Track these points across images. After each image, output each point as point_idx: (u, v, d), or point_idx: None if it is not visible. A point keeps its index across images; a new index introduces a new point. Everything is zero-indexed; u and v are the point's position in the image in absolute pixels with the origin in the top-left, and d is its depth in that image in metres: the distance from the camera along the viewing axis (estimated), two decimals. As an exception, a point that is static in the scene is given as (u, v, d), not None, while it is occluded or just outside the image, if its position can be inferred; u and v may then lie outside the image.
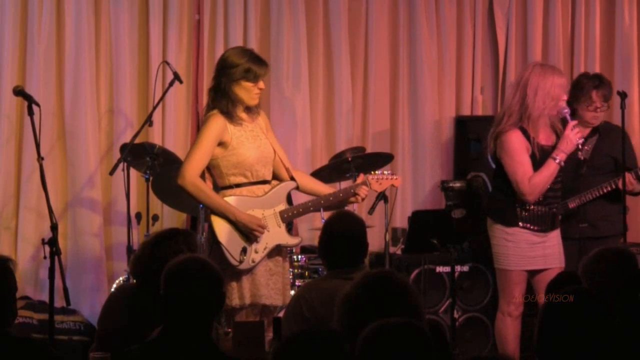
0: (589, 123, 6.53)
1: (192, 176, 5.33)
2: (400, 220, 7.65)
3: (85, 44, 7.06)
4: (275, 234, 5.47)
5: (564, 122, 6.10)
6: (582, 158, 6.51)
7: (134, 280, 4.69)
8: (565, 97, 6.02)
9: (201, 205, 5.96)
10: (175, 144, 7.21)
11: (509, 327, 6.14)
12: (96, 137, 7.13)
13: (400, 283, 3.62)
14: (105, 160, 7.16)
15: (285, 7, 7.51)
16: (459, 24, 8.04)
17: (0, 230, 7.00)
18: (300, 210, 5.58)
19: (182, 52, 7.35)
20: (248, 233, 5.38)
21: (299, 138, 7.54)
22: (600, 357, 3.40)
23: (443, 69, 7.98)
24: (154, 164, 6.58)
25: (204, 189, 5.37)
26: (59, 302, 5.92)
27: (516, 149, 5.99)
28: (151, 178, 6.63)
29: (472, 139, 7.80)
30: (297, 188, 5.62)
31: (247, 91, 5.43)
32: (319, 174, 6.60)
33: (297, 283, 6.55)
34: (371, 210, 5.90)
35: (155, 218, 6.97)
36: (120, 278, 6.82)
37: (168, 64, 6.93)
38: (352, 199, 5.62)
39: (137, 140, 6.63)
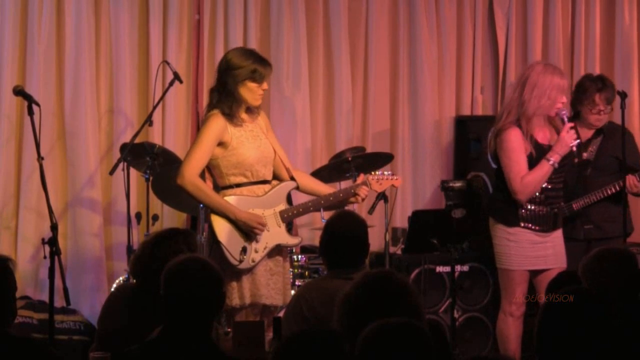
0: (592, 125, 6.53)
1: (191, 175, 5.34)
2: (400, 220, 7.65)
3: (85, 44, 7.06)
4: (275, 234, 5.47)
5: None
6: (585, 159, 6.52)
7: (134, 280, 4.69)
8: (564, 100, 6.00)
9: (201, 205, 5.97)
10: (175, 144, 7.21)
11: (510, 327, 6.14)
12: (96, 137, 7.13)
13: (400, 283, 3.62)
14: (105, 160, 7.16)
15: (285, 7, 7.51)
16: (459, 24, 8.04)
17: (0, 230, 7.00)
18: (301, 210, 5.58)
19: (182, 52, 7.35)
20: (248, 231, 5.38)
21: (299, 138, 7.54)
22: (600, 357, 3.40)
23: (443, 69, 7.98)
24: (154, 164, 6.58)
25: (203, 189, 5.37)
26: (59, 302, 5.92)
27: (514, 148, 6.00)
28: (151, 178, 6.63)
29: (472, 139, 7.81)
30: (298, 188, 5.62)
31: (251, 92, 5.43)
32: (319, 174, 6.60)
33: (297, 283, 6.55)
34: (371, 210, 5.90)
35: (155, 218, 6.97)
36: (120, 278, 6.82)
37: (168, 63, 6.94)
38: (352, 199, 5.63)
39: (137, 140, 6.63)
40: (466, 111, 8.07)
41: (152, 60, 7.22)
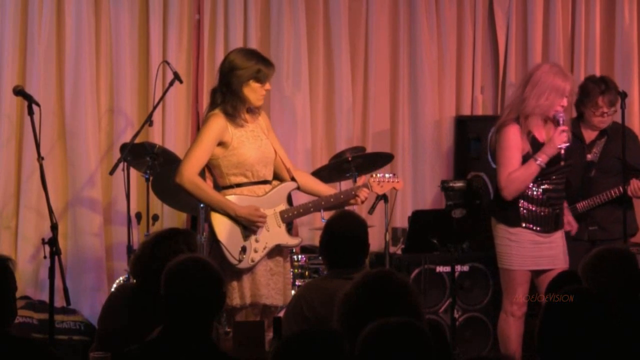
0: (596, 127, 6.53)
1: (190, 174, 5.34)
2: (401, 220, 7.65)
3: (85, 44, 7.06)
4: (275, 234, 5.47)
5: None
6: (590, 160, 6.52)
7: (134, 280, 4.69)
8: (563, 103, 5.98)
9: (201, 205, 5.97)
10: (175, 144, 7.21)
11: (511, 327, 6.14)
12: (96, 137, 7.14)
13: (400, 283, 3.62)
14: (106, 160, 7.17)
15: (285, 7, 7.51)
16: (459, 24, 8.04)
17: (0, 229, 7.00)
18: (301, 210, 5.58)
19: (182, 52, 7.35)
20: (250, 225, 5.38)
21: (299, 138, 7.54)
22: (600, 357, 3.40)
23: (443, 69, 7.98)
24: (154, 164, 6.58)
25: (202, 187, 5.37)
26: (59, 302, 5.91)
27: (509, 145, 6.01)
28: (151, 178, 6.63)
29: (472, 139, 7.81)
30: (298, 188, 5.62)
31: (254, 92, 5.44)
32: (319, 174, 6.60)
33: (297, 283, 6.55)
34: (371, 210, 5.89)
35: (156, 218, 6.97)
36: (120, 278, 6.82)
37: (168, 63, 6.94)
38: (352, 200, 5.62)
39: (137, 140, 6.63)
40: (466, 111, 8.07)
41: (152, 60, 7.22)
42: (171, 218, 7.29)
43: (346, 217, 4.97)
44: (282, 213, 5.49)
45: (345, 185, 6.55)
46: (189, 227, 7.17)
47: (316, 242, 6.03)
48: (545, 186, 6.05)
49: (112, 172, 6.61)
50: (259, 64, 5.44)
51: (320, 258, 6.21)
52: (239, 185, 5.44)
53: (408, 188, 7.80)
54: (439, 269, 6.87)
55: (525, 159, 6.00)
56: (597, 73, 7.61)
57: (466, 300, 6.96)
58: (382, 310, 3.35)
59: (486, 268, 6.94)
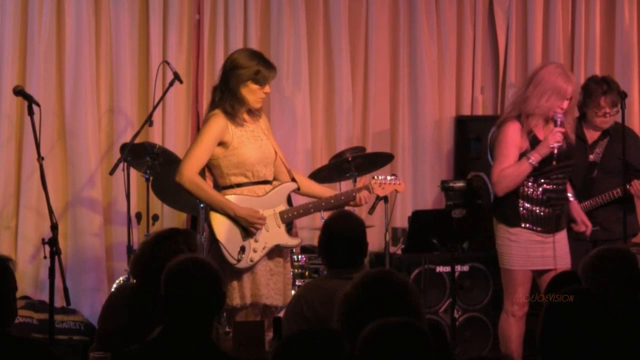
0: (598, 127, 6.53)
1: (190, 173, 5.33)
2: (401, 220, 7.65)
3: (85, 44, 7.06)
4: (274, 234, 5.46)
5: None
6: (592, 161, 6.52)
7: (134, 280, 4.69)
8: (563, 105, 5.97)
9: (201, 205, 5.97)
10: (175, 144, 7.21)
11: (512, 327, 6.13)
12: (96, 137, 7.14)
13: (400, 283, 3.62)
14: (106, 160, 7.17)
15: (285, 7, 7.51)
16: (459, 24, 8.05)
17: (0, 229, 7.00)
18: (301, 211, 5.57)
19: (182, 52, 7.35)
20: (248, 227, 5.38)
21: (299, 138, 7.54)
22: (601, 357, 3.40)
23: (443, 69, 7.98)
24: (154, 164, 6.58)
25: (202, 186, 5.36)
26: (59, 302, 5.92)
27: (507, 142, 6.01)
28: (151, 178, 6.63)
29: (472, 139, 7.81)
30: (299, 189, 5.61)
31: (253, 93, 5.43)
32: (319, 174, 6.60)
33: (297, 283, 6.55)
34: (371, 210, 5.89)
35: (156, 218, 6.98)
36: (120, 278, 6.82)
37: (168, 63, 6.94)
38: (352, 202, 5.62)
39: (137, 140, 6.63)
40: (466, 111, 8.08)
41: (152, 60, 7.22)
42: (171, 218, 7.29)
43: (344, 217, 4.97)
44: (282, 213, 5.49)
45: (345, 185, 6.56)
46: (189, 227, 7.17)
47: (316, 242, 6.02)
48: (545, 186, 6.04)
49: (112, 172, 6.61)
50: (260, 65, 5.43)
51: (319, 258, 6.21)
52: (239, 185, 5.44)
53: (408, 188, 7.80)
54: (439, 269, 6.88)
55: (523, 157, 6.01)
56: (597, 73, 7.61)
57: (466, 300, 6.96)
58: (382, 310, 3.35)
59: (486, 268, 6.94)
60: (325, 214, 6.23)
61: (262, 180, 5.47)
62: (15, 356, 3.69)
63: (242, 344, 4.21)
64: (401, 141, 7.87)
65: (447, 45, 7.97)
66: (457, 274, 6.71)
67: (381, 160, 6.75)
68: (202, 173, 5.47)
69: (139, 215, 6.98)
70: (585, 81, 6.66)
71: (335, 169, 6.65)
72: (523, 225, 6.03)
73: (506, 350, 6.10)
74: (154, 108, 6.84)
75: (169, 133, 7.29)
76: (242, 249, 5.37)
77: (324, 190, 5.71)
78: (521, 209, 6.03)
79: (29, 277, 6.99)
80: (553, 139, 5.93)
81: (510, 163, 5.98)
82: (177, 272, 3.77)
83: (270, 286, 5.41)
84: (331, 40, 7.71)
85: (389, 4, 7.87)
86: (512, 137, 5.99)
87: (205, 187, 5.38)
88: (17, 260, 6.82)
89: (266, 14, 7.56)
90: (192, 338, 3.69)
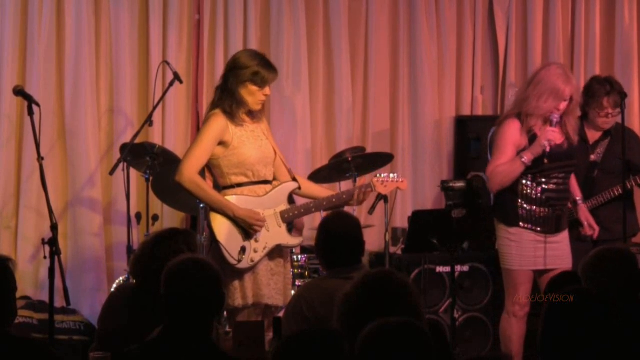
0: (600, 127, 6.53)
1: (190, 173, 5.33)
2: (401, 220, 7.65)
3: (85, 44, 7.06)
4: (275, 234, 5.46)
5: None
6: (593, 161, 6.52)
7: (134, 280, 4.69)
8: (560, 107, 5.97)
9: (201, 205, 5.96)
10: (175, 144, 7.21)
11: (513, 327, 6.12)
12: (96, 137, 7.14)
13: (400, 283, 3.62)
14: (106, 160, 7.17)
15: (285, 7, 7.51)
16: (459, 24, 8.05)
17: (0, 229, 7.00)
18: (302, 210, 5.57)
19: (182, 52, 7.35)
20: (248, 228, 5.38)
21: (299, 138, 7.54)
22: (601, 357, 3.40)
23: (443, 69, 7.98)
24: (154, 164, 6.58)
25: (202, 186, 5.36)
26: (59, 302, 5.92)
27: (505, 139, 6.02)
28: (151, 178, 6.63)
29: (472, 139, 7.81)
30: (299, 188, 5.60)
31: (252, 95, 5.41)
32: (319, 174, 6.60)
33: (297, 283, 6.55)
34: (371, 210, 5.89)
35: (155, 218, 6.97)
36: (120, 278, 6.82)
37: (168, 63, 6.94)
38: (352, 201, 5.61)
39: (137, 140, 6.63)
40: (466, 111, 8.08)
41: (152, 60, 7.22)
42: (171, 218, 7.29)
43: (341, 217, 4.98)
44: (282, 213, 5.49)
45: (345, 185, 6.56)
46: (189, 227, 7.17)
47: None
48: (545, 186, 6.04)
49: (112, 172, 6.61)
50: (260, 66, 5.41)
51: (317, 259, 6.21)
52: (239, 185, 5.44)
53: (408, 188, 7.79)
54: (439, 269, 6.88)
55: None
56: (597, 73, 7.61)
57: (466, 301, 6.96)
58: (382, 310, 3.35)
59: (486, 268, 6.94)
60: (326, 214, 6.22)
61: (262, 180, 5.47)
62: (15, 356, 3.69)
63: (242, 344, 4.21)
64: (401, 141, 7.87)
65: (447, 45, 7.97)
66: (457, 274, 6.70)
67: (381, 160, 6.75)
68: (202, 173, 5.47)
69: (138, 216, 6.98)
70: (588, 81, 6.66)
71: (335, 169, 6.65)
72: (522, 225, 6.03)
73: (507, 351, 6.10)
74: (154, 108, 6.84)
75: (169, 133, 7.29)
76: (243, 250, 5.37)
77: (324, 191, 5.70)
78: (520, 208, 6.03)
79: (29, 277, 6.99)
80: (544, 138, 5.93)
81: (506, 160, 5.99)
82: (177, 272, 3.77)
83: (272, 286, 5.41)
84: (331, 40, 7.71)
85: (389, 4, 7.87)
86: (511, 134, 6.00)
87: (205, 187, 5.38)
88: (17, 260, 6.82)
89: (266, 14, 7.56)
90: (192, 338, 3.69)
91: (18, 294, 4.05)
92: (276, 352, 3.15)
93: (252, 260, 5.38)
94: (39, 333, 6.45)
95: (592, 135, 6.58)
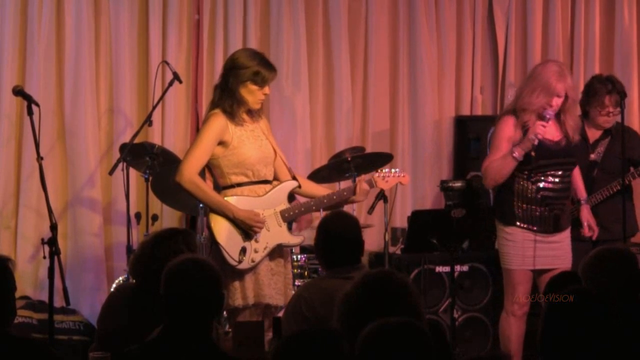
0: (600, 126, 6.53)
1: (190, 174, 5.33)
2: (400, 220, 7.65)
3: (85, 44, 7.06)
4: (275, 234, 5.46)
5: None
6: (593, 160, 6.52)
7: (134, 280, 4.69)
8: (552, 103, 5.96)
9: (201, 205, 5.96)
10: (174, 144, 7.21)
11: (512, 327, 6.12)
12: (96, 137, 7.14)
13: (400, 283, 3.61)
14: (105, 159, 7.17)
15: (285, 7, 7.51)
16: (459, 24, 8.05)
17: (0, 229, 7.00)
18: (302, 209, 5.56)
19: (181, 52, 7.35)
20: (247, 229, 5.37)
21: (299, 138, 7.54)
22: (601, 357, 3.40)
23: (443, 69, 7.98)
24: (154, 164, 6.58)
25: (201, 187, 5.36)
26: (58, 302, 5.91)
27: (499, 135, 6.04)
28: (151, 178, 6.63)
29: (471, 139, 7.81)
30: (299, 187, 5.60)
31: (252, 94, 5.42)
32: (318, 174, 6.60)
33: (296, 283, 6.54)
34: (370, 210, 5.88)
35: (155, 218, 6.97)
36: (120, 278, 6.82)
37: (168, 63, 6.94)
38: (353, 197, 5.61)
39: (136, 140, 6.63)
40: (466, 111, 8.08)
41: (151, 60, 7.22)
42: (170, 218, 7.29)
43: (340, 216, 4.98)
44: (282, 212, 5.48)
45: (345, 185, 6.55)
46: (188, 227, 7.17)
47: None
48: (540, 184, 6.02)
49: (111, 172, 6.60)
50: (260, 66, 5.41)
51: (317, 259, 6.21)
52: (239, 184, 5.43)
53: (408, 188, 7.80)
54: (439, 269, 6.87)
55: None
56: (597, 73, 7.60)
57: (466, 300, 6.96)
58: (382, 310, 3.35)
59: (486, 268, 6.94)
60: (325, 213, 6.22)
61: (262, 179, 5.47)
62: (15, 356, 3.69)
63: (241, 344, 4.21)
64: (401, 141, 7.87)
65: (447, 45, 7.97)
66: (456, 274, 6.70)
67: (381, 160, 6.75)
68: (202, 174, 5.47)
69: (138, 215, 6.98)
70: (589, 80, 6.67)
71: (334, 169, 6.65)
72: (518, 224, 6.03)
73: (506, 350, 6.10)
74: (154, 108, 6.84)
75: (168, 133, 7.29)
76: (243, 250, 5.37)
77: (324, 190, 5.70)
78: (517, 208, 6.03)
79: (29, 277, 6.99)
80: (532, 132, 5.93)
81: (500, 156, 6.00)
82: (177, 272, 3.77)
83: (272, 286, 5.41)
84: (331, 41, 7.71)
85: (389, 4, 7.87)
86: (505, 130, 6.02)
87: (204, 188, 5.37)
88: (16, 260, 6.82)
89: (266, 14, 7.56)
90: (192, 338, 3.69)
91: (17, 294, 4.04)
92: (276, 352, 3.15)
93: (252, 261, 5.37)
94: (39, 333, 6.45)
95: (593, 134, 6.58)
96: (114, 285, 6.73)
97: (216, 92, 5.47)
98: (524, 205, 6.02)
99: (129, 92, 7.22)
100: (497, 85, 8.18)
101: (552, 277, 4.78)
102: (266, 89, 5.45)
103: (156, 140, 7.09)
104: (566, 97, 5.99)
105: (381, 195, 5.73)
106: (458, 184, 6.88)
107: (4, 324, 3.77)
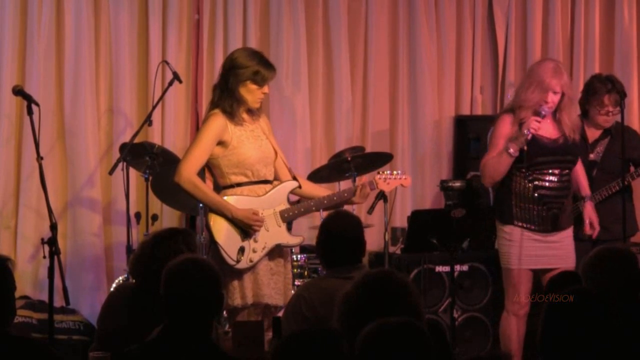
0: (600, 125, 6.53)
1: (189, 173, 5.33)
2: (400, 220, 7.65)
3: (85, 44, 7.06)
4: (274, 234, 5.46)
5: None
6: (592, 160, 6.52)
7: (134, 280, 4.69)
8: (547, 99, 5.96)
9: (201, 205, 5.96)
10: (174, 144, 7.21)
11: (512, 326, 6.12)
12: (96, 137, 7.14)
13: (400, 283, 3.61)
14: (105, 159, 7.16)
15: (285, 7, 7.51)
16: (459, 24, 8.05)
17: (0, 229, 7.00)
18: (302, 209, 5.57)
19: (181, 52, 7.35)
20: (246, 228, 5.37)
21: (299, 138, 7.54)
22: (601, 357, 3.40)
23: (443, 69, 7.98)
24: (154, 164, 6.57)
25: (200, 186, 5.36)
26: (58, 302, 5.91)
27: (497, 133, 6.06)
28: (150, 178, 6.63)
29: (471, 139, 7.81)
30: (300, 187, 5.60)
31: (251, 94, 5.42)
32: (318, 174, 6.60)
33: (296, 283, 6.54)
34: (370, 210, 5.88)
35: (155, 218, 6.97)
36: (120, 278, 6.82)
37: (167, 63, 6.94)
38: (353, 198, 5.61)
39: (136, 140, 6.63)
40: (466, 111, 8.08)
41: (151, 60, 7.22)
42: (170, 218, 7.28)
43: (342, 216, 4.98)
44: (282, 212, 5.48)
45: (345, 185, 6.55)
46: (188, 227, 7.17)
47: (315, 241, 6.02)
48: (537, 183, 6.02)
49: (111, 172, 6.60)
50: (259, 65, 5.42)
51: (318, 258, 6.21)
52: (239, 184, 5.43)
53: (408, 188, 7.79)
54: (439, 268, 6.87)
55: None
56: (597, 73, 7.60)
57: (466, 300, 6.96)
58: (382, 310, 3.35)
59: (486, 268, 6.93)
60: (325, 214, 6.22)
61: (262, 179, 5.47)
62: (15, 356, 3.69)
63: (241, 344, 4.21)
64: (400, 141, 7.87)
65: (447, 45, 7.97)
66: (456, 273, 6.70)
67: (380, 160, 6.75)
68: (202, 174, 5.47)
69: (138, 215, 6.98)
70: (589, 79, 6.67)
71: (334, 169, 6.65)
72: (516, 223, 6.03)
73: (507, 350, 6.09)
74: (153, 108, 6.84)
75: (168, 133, 7.29)
76: (241, 250, 5.37)
77: (324, 191, 5.70)
78: (514, 207, 6.04)
79: (28, 277, 6.99)
80: (526, 127, 5.94)
81: (496, 154, 6.01)
82: (177, 272, 3.77)
83: (272, 286, 5.41)
84: (331, 40, 7.71)
85: (389, 4, 7.87)
86: (502, 128, 6.04)
87: (203, 188, 5.37)
88: (16, 259, 6.82)
89: (266, 14, 7.55)
90: (192, 338, 3.69)
91: (17, 294, 4.05)
92: (276, 352, 3.15)
93: (250, 261, 5.37)
94: (38, 333, 6.45)
95: (592, 134, 6.58)
96: (113, 285, 6.73)
97: (216, 92, 5.48)
98: (522, 204, 6.03)
99: (129, 92, 7.22)
100: (497, 85, 8.18)
101: (552, 277, 4.79)
102: (265, 88, 5.45)
103: (156, 140, 7.09)
104: (563, 95, 5.99)
105: (381, 195, 5.73)
106: (458, 184, 6.90)
107: (4, 323, 3.77)
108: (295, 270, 6.67)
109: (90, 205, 7.12)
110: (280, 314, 5.11)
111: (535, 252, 6.02)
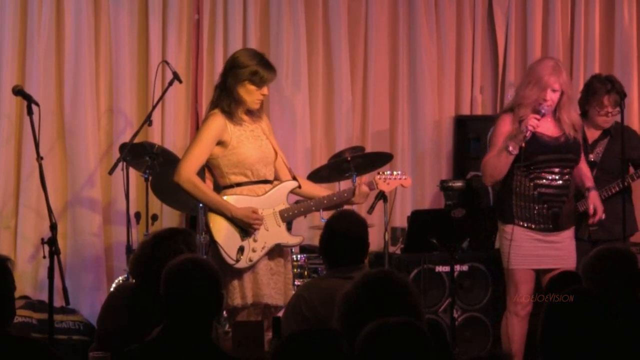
0: (599, 126, 6.53)
1: (188, 173, 5.33)
2: (400, 220, 7.64)
3: (85, 44, 7.06)
4: (274, 234, 5.46)
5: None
6: (592, 160, 6.52)
7: (134, 280, 4.69)
8: (545, 96, 5.96)
9: (201, 205, 5.96)
10: (174, 144, 7.21)
11: (514, 327, 6.11)
12: (96, 137, 7.14)
13: (400, 283, 3.62)
14: (105, 159, 7.16)
15: (285, 7, 7.51)
16: (459, 24, 8.05)
17: (0, 229, 7.00)
18: (302, 209, 5.57)
19: (181, 52, 7.35)
20: (246, 227, 5.37)
21: (299, 138, 7.54)
22: (601, 357, 3.40)
23: (443, 69, 7.98)
24: (154, 164, 6.57)
25: (199, 186, 5.36)
26: (58, 302, 5.91)
27: (496, 133, 6.08)
28: (150, 177, 6.63)
29: (471, 139, 7.81)
30: (299, 187, 5.60)
31: (250, 94, 5.41)
32: (318, 174, 6.60)
33: (296, 283, 6.54)
34: (370, 210, 5.88)
35: (155, 218, 6.97)
36: (120, 277, 6.82)
37: (167, 63, 6.94)
38: (353, 198, 5.61)
39: (136, 140, 6.63)
40: (466, 111, 8.08)
41: (151, 60, 7.22)
42: (170, 218, 7.28)
43: (346, 216, 4.97)
44: (282, 212, 5.48)
45: (345, 185, 6.54)
46: (188, 226, 7.17)
47: (315, 241, 6.02)
48: (538, 181, 6.02)
49: (111, 172, 6.60)
50: (259, 66, 5.41)
51: (319, 257, 6.21)
52: (239, 184, 5.43)
53: (407, 188, 7.79)
54: (439, 268, 6.87)
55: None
56: (597, 73, 7.60)
57: (466, 300, 6.96)
58: (382, 310, 3.35)
59: (485, 268, 6.93)
60: (325, 214, 6.23)
61: (262, 179, 5.47)
62: (15, 356, 3.69)
63: (241, 344, 4.21)
64: (400, 141, 7.87)
65: (447, 45, 7.97)
66: (456, 273, 6.70)
67: (380, 160, 6.74)
68: (202, 174, 5.47)
69: (138, 215, 6.98)
70: (589, 79, 6.67)
71: (334, 169, 6.64)
72: (517, 222, 6.02)
73: (508, 350, 6.09)
74: (153, 108, 6.84)
75: (168, 133, 7.29)
76: (241, 249, 5.37)
77: (324, 191, 5.70)
78: (515, 206, 6.03)
79: (28, 277, 6.99)
80: (525, 124, 5.94)
81: (496, 152, 6.02)
82: (177, 272, 3.77)
83: (272, 286, 5.41)
84: (331, 41, 7.71)
85: (389, 4, 7.87)
86: (503, 127, 6.05)
87: (202, 188, 5.37)
88: (16, 259, 6.83)
89: (266, 14, 7.55)
90: (192, 338, 3.69)
91: (17, 294, 4.06)
92: (276, 351, 3.15)
93: (250, 260, 5.37)
94: (38, 333, 6.45)
95: (591, 134, 6.58)
96: (113, 285, 6.73)
97: (215, 92, 5.48)
98: (522, 203, 6.03)
99: (129, 92, 7.22)
100: (497, 85, 8.18)
101: (552, 277, 4.79)
102: (264, 90, 5.44)
103: (156, 140, 7.09)
104: (562, 93, 5.99)
105: (381, 195, 5.74)
106: (458, 184, 6.90)
107: (4, 323, 3.77)
108: (295, 270, 6.66)
109: (90, 205, 7.12)
110: (280, 314, 5.11)
111: (536, 252, 6.01)
